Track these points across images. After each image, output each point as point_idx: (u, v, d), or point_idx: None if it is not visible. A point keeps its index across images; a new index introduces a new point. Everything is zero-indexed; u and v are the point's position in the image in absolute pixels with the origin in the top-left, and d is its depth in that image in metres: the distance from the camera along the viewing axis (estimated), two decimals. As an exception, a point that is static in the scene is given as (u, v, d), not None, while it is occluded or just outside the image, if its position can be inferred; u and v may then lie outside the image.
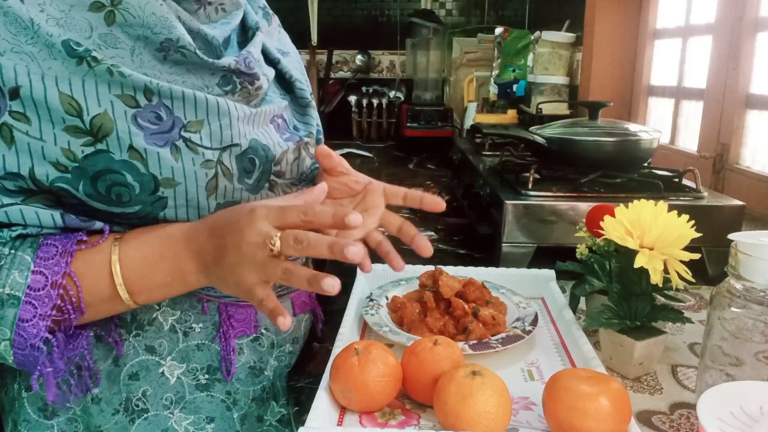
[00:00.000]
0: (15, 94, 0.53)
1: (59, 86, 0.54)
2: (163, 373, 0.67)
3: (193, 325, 0.68)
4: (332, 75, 2.72)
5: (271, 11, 0.81)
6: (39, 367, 0.58)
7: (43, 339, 0.56)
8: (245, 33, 0.73)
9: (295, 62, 0.80)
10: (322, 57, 2.71)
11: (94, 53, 0.55)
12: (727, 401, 0.49)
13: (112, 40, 0.57)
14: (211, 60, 0.61)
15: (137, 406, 0.66)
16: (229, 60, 0.63)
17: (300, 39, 2.70)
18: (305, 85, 0.78)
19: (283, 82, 0.77)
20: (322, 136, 0.86)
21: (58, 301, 0.56)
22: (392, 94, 2.67)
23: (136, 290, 0.59)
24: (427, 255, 0.70)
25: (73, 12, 0.55)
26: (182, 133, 0.59)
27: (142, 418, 0.66)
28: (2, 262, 0.55)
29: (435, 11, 2.66)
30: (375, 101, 2.65)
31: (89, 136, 0.55)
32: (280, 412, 0.76)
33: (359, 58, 2.74)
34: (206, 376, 0.69)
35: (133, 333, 0.66)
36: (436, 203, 0.72)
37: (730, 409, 0.49)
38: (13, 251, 0.55)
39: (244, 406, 0.72)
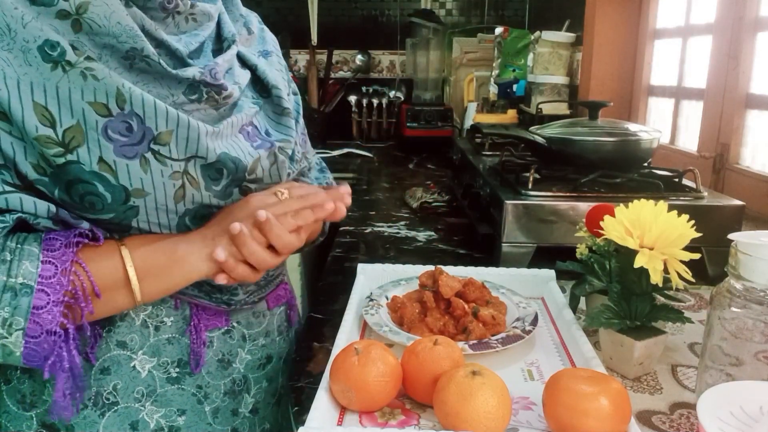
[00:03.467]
0: None
1: (34, 95, 0.55)
2: (134, 367, 0.68)
3: (165, 319, 0.69)
4: (332, 75, 2.72)
5: (248, 14, 0.80)
6: (53, 358, 0.58)
7: (59, 324, 0.57)
8: (220, 42, 0.73)
9: (276, 63, 0.80)
10: (322, 57, 2.71)
11: (68, 57, 0.56)
12: (727, 401, 0.49)
13: (79, 47, 0.57)
14: (174, 71, 0.62)
15: (107, 399, 0.68)
16: (193, 71, 0.64)
17: (300, 39, 2.69)
18: (283, 92, 0.76)
19: (260, 85, 0.76)
20: (299, 148, 0.82)
21: (70, 287, 0.58)
22: (392, 94, 2.67)
23: (142, 274, 0.62)
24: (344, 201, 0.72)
25: (40, 19, 0.56)
26: (151, 146, 0.60)
27: (112, 410, 0.68)
28: (12, 255, 0.56)
29: (435, 11, 2.66)
30: (375, 101, 2.64)
31: (60, 147, 0.57)
32: (252, 401, 0.78)
33: (359, 58, 2.74)
34: (177, 370, 0.70)
35: (106, 329, 0.67)
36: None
37: (730, 409, 0.49)
38: (19, 245, 0.57)
39: (216, 400, 0.73)
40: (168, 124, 0.61)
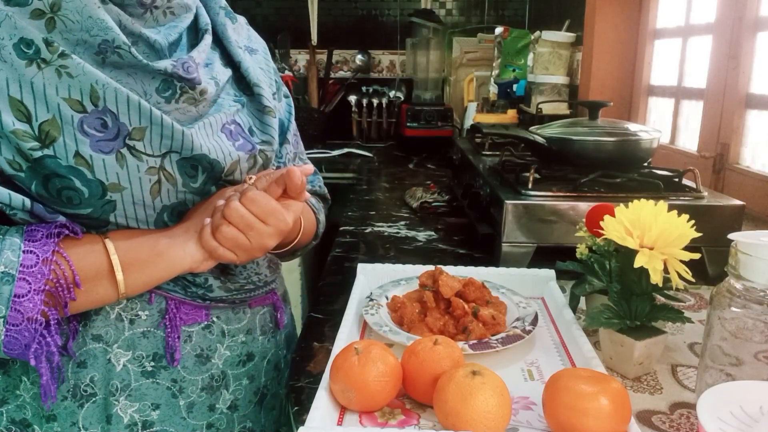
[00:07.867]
0: None
1: (9, 90, 0.56)
2: (109, 360, 0.68)
3: (139, 313, 0.69)
4: (332, 75, 2.71)
5: (234, 14, 0.80)
6: (35, 345, 0.59)
7: (41, 312, 0.58)
8: (197, 36, 0.73)
9: (262, 62, 0.79)
10: (322, 57, 2.71)
11: (42, 55, 0.57)
12: (727, 401, 0.49)
13: (54, 44, 0.58)
14: (146, 62, 0.62)
15: (85, 391, 0.68)
16: (165, 63, 0.64)
17: (300, 39, 2.70)
18: (265, 91, 0.76)
19: (244, 83, 0.76)
20: (291, 148, 0.86)
21: (51, 276, 0.59)
22: (392, 93, 2.67)
23: (125, 266, 0.63)
24: (307, 172, 0.68)
25: (15, 17, 0.57)
26: (127, 141, 0.61)
27: (91, 401, 0.68)
28: None
29: (435, 11, 2.66)
30: (375, 101, 2.64)
31: (36, 142, 0.57)
32: (230, 398, 0.78)
33: (359, 58, 2.74)
34: (152, 364, 0.70)
35: (82, 323, 0.67)
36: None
37: (730, 409, 0.49)
38: (1, 236, 0.58)
39: (192, 395, 0.73)
40: (141, 121, 0.61)
